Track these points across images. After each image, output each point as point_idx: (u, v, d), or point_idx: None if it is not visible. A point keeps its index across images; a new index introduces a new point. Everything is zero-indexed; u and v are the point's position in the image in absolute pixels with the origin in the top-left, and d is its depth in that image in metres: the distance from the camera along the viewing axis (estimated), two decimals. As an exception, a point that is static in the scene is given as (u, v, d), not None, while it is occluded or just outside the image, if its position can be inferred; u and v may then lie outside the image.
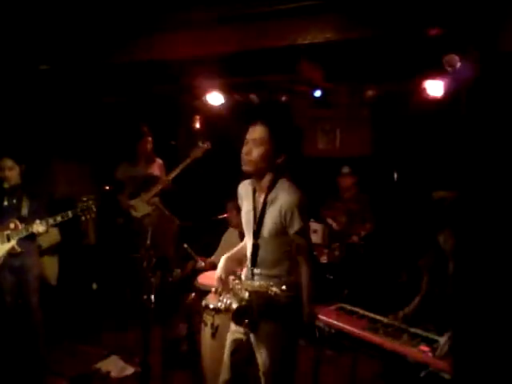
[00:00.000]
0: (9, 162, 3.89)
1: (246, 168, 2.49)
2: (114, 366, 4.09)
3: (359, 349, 2.96)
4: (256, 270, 2.56)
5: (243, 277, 2.60)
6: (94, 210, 3.78)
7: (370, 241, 5.21)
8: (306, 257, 2.50)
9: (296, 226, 2.43)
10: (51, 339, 4.13)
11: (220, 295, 2.56)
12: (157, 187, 5.23)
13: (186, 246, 4.22)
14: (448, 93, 4.50)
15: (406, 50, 3.85)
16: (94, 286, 5.67)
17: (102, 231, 5.81)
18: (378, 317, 3.12)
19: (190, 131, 6.33)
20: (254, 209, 2.55)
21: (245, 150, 2.47)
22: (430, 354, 2.53)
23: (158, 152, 5.51)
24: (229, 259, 2.69)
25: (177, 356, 3.95)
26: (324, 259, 5.08)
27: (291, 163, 2.58)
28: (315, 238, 5.08)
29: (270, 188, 2.49)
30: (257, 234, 2.53)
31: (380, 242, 5.23)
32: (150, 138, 5.35)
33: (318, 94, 5.12)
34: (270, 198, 2.49)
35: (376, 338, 2.79)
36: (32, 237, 3.85)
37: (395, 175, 5.66)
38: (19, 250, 3.79)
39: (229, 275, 2.60)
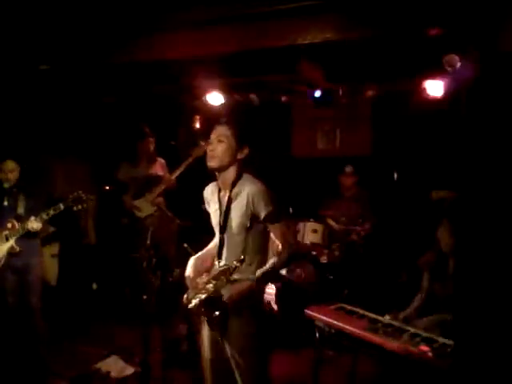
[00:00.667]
0: (11, 165, 3.93)
1: (210, 164, 2.55)
2: (114, 365, 4.08)
3: (359, 349, 2.96)
4: (222, 263, 2.60)
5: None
6: (84, 198, 3.82)
7: (370, 240, 5.21)
8: (284, 241, 2.53)
9: (265, 209, 2.47)
10: (51, 339, 4.12)
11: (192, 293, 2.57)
12: (160, 187, 5.23)
13: (186, 245, 4.22)
14: (448, 93, 4.50)
15: (406, 49, 3.85)
16: (94, 286, 5.67)
17: (102, 231, 5.81)
18: (378, 317, 3.11)
19: (190, 131, 6.32)
20: (220, 206, 2.62)
21: (209, 148, 2.57)
22: (430, 354, 2.53)
23: (158, 152, 5.50)
24: (198, 259, 2.76)
25: (177, 356, 3.95)
26: (324, 259, 5.07)
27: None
28: (315, 238, 5.08)
29: (234, 183, 2.56)
30: (223, 228, 2.59)
31: (380, 242, 5.24)
32: (152, 139, 5.36)
33: (317, 93, 5.12)
34: (234, 192, 2.56)
35: (376, 338, 2.78)
36: (33, 235, 3.87)
37: (395, 175, 5.66)
38: (18, 249, 3.80)
39: (198, 274, 2.65)
